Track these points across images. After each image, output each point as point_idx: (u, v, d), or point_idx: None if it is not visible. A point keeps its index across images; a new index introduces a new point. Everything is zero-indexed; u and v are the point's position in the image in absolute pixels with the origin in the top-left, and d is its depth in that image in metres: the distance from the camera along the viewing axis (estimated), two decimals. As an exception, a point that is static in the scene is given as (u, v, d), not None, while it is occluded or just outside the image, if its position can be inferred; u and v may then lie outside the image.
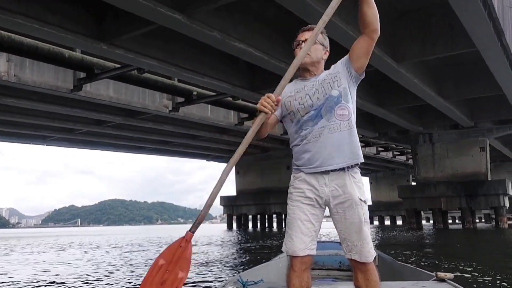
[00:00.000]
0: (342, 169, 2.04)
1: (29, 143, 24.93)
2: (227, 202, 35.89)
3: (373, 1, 1.97)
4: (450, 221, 31.71)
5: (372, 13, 1.97)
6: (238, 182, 35.54)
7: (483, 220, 51.11)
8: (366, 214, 2.05)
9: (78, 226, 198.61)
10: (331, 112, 2.05)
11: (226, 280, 2.54)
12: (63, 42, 10.69)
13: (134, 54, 11.50)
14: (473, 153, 24.78)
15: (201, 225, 1.88)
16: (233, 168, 2.86)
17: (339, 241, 2.37)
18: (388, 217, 55.32)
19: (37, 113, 18.24)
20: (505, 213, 25.35)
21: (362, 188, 2.10)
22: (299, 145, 2.11)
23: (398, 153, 41.01)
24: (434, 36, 12.85)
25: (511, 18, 12.26)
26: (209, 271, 7.06)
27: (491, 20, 10.26)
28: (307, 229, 2.05)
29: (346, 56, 2.12)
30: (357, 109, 2.17)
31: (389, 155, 41.07)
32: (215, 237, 21.05)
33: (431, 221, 33.97)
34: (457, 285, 2.60)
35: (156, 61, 12.16)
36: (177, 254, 1.81)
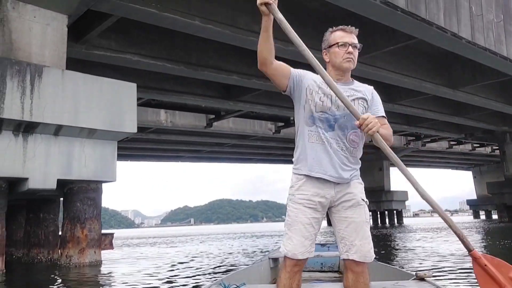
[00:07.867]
0: None
1: (168, 161, 32.31)
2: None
3: (384, 135, 1.96)
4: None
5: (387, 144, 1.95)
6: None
7: None
8: (367, 214, 2.07)
9: (191, 225, 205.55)
10: (344, 132, 2.02)
11: (208, 284, 2.59)
12: (205, 104, 16.28)
13: (250, 104, 16.67)
14: (561, 149, 25.46)
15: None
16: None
17: (321, 243, 2.71)
18: (496, 211, 52.99)
19: (178, 141, 24.70)
20: None
21: (363, 189, 2.12)
22: (305, 140, 2.05)
23: (497, 147, 40.31)
24: (482, 66, 15.08)
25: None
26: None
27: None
28: (309, 233, 2.01)
29: (379, 101, 2.14)
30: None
31: (487, 149, 40.74)
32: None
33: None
34: (436, 283, 2.63)
35: (264, 106, 17.20)
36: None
